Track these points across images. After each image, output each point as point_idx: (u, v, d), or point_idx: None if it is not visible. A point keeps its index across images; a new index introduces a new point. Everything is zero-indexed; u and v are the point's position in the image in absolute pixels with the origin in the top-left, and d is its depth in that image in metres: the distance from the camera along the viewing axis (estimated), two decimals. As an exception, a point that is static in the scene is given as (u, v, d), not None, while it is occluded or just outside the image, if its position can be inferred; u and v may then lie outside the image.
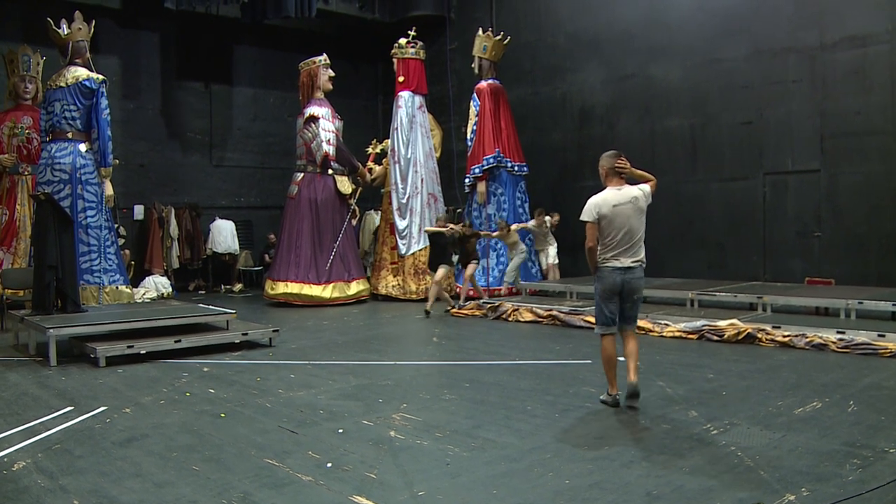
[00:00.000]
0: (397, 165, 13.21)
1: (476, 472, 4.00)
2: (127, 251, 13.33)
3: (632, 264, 5.22)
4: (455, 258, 11.56)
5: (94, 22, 11.27)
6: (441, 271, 10.99)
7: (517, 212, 13.24)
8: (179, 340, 7.76)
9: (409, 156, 13.24)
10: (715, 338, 7.97)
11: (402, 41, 13.50)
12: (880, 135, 10.43)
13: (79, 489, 3.83)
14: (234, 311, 8.88)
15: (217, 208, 15.64)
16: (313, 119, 12.72)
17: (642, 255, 5.30)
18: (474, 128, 13.36)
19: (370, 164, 14.37)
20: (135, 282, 13.01)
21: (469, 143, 13.48)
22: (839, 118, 10.78)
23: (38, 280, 8.43)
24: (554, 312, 9.65)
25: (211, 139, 15.96)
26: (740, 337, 7.81)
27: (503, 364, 7.10)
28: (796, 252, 11.30)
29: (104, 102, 10.85)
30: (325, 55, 13.19)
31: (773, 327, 7.82)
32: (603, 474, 3.91)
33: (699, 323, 8.26)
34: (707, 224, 12.32)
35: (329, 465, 4.15)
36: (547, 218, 12.70)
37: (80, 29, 10.92)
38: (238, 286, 15.26)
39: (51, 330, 7.36)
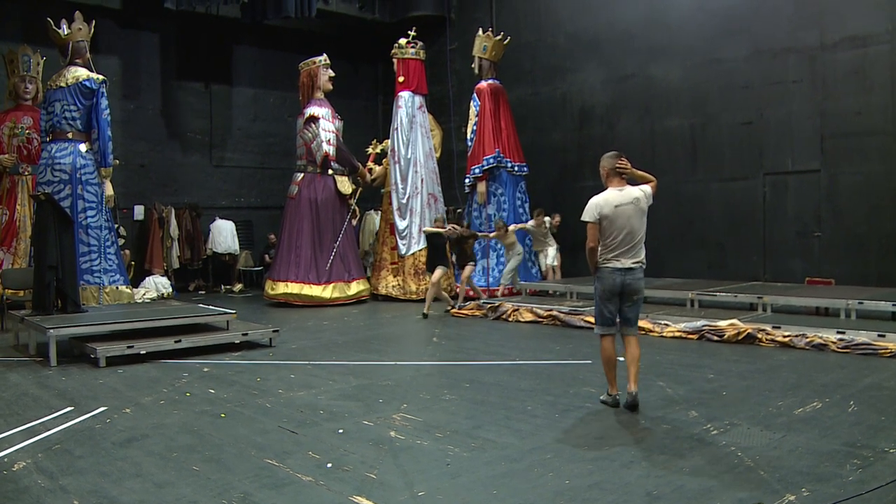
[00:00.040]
0: (397, 165, 13.21)
1: (476, 472, 4.00)
2: (127, 251, 13.33)
3: (632, 265, 5.22)
4: (453, 258, 11.55)
5: (94, 22, 11.27)
6: (438, 272, 10.97)
7: (517, 212, 13.24)
8: (180, 340, 7.76)
9: (409, 156, 13.24)
10: (715, 338, 7.97)
11: (403, 41, 13.50)
12: (880, 135, 10.43)
13: (79, 489, 3.83)
14: (234, 312, 8.88)
15: (217, 208, 15.64)
16: (313, 119, 12.72)
17: (642, 256, 5.30)
18: (474, 128, 13.36)
19: (370, 164, 14.36)
20: (135, 282, 13.01)
21: (469, 144, 13.48)
22: (839, 118, 10.79)
23: (39, 280, 8.43)
24: (554, 312, 9.65)
25: (211, 139, 15.96)
26: (740, 337, 7.81)
27: (503, 364, 7.10)
28: (796, 252, 11.30)
29: (104, 102, 10.86)
30: (325, 55, 13.19)
31: (774, 327, 7.82)
32: (603, 474, 3.91)
33: (699, 323, 8.26)
34: (707, 224, 12.32)
35: (329, 465, 4.15)
36: (546, 219, 12.66)
37: (81, 29, 10.93)
38: (238, 286, 15.26)
39: (51, 330, 7.36)
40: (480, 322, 10.20)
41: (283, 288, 12.38)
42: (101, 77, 10.88)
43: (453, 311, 10.89)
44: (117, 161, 11.92)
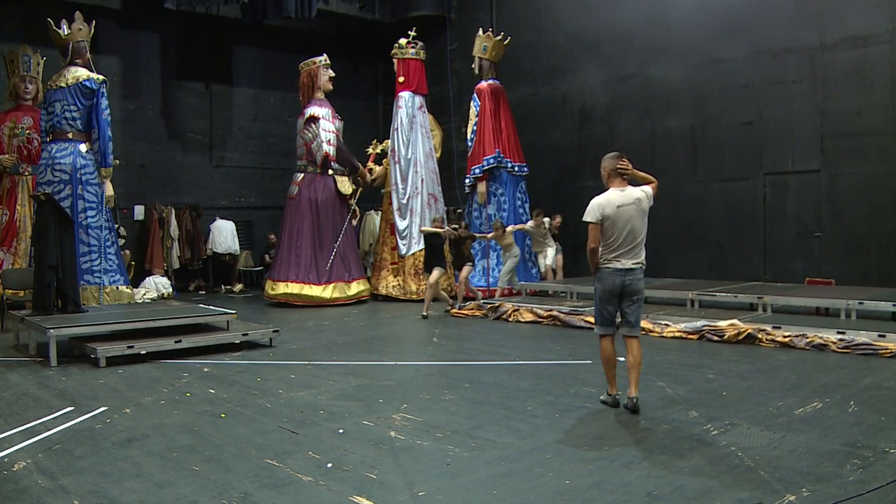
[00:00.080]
0: (397, 166, 13.21)
1: (476, 472, 4.00)
2: (127, 251, 13.33)
3: (632, 266, 5.22)
4: (451, 258, 11.54)
5: (94, 22, 11.28)
6: (435, 273, 10.93)
7: (517, 212, 13.23)
8: (180, 341, 7.76)
9: (409, 156, 13.24)
10: (715, 338, 7.97)
11: (403, 41, 13.50)
12: (880, 135, 10.43)
13: (79, 489, 3.83)
14: (234, 312, 8.88)
15: (217, 208, 15.64)
16: (314, 119, 12.72)
17: (643, 256, 5.30)
18: (474, 128, 13.36)
19: (370, 164, 14.36)
20: (135, 282, 13.01)
21: (469, 144, 13.48)
22: (839, 118, 10.79)
23: (39, 280, 8.43)
24: (554, 313, 9.64)
25: (211, 139, 15.97)
26: (741, 337, 7.81)
27: (503, 364, 7.10)
28: (796, 252, 11.30)
29: (104, 103, 10.86)
30: (325, 55, 13.19)
31: (774, 327, 7.82)
32: (603, 475, 3.91)
33: (699, 323, 8.26)
34: (707, 224, 12.32)
35: (329, 465, 4.15)
36: (546, 220, 12.62)
37: (81, 29, 10.93)
38: (238, 286, 15.26)
39: (51, 330, 7.36)
40: (480, 322, 10.20)
41: (283, 288, 12.37)
42: (101, 77, 10.89)
43: (453, 311, 10.89)
44: (117, 161, 11.92)
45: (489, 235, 12.07)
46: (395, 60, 13.61)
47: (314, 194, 12.78)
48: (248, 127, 16.42)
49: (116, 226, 11.95)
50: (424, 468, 4.07)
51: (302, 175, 12.95)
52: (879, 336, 7.19)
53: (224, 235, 14.98)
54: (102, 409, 5.54)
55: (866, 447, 4.25)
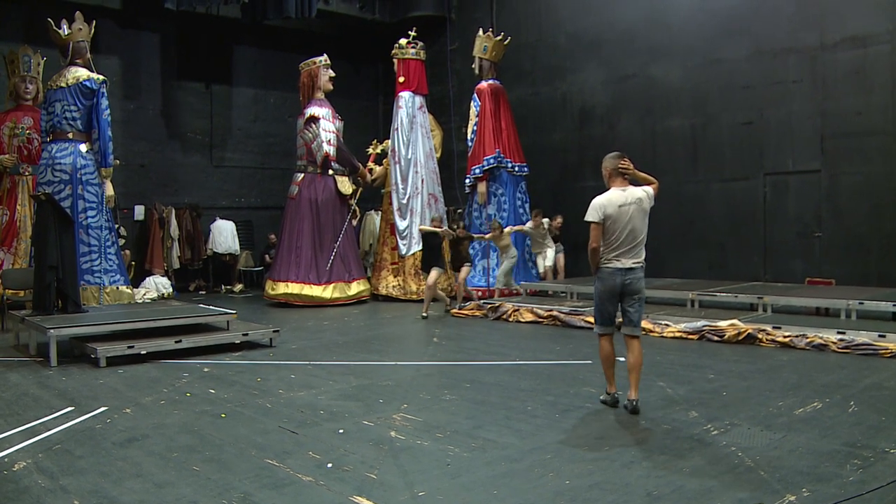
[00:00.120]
0: (398, 166, 13.21)
1: (476, 472, 4.00)
2: (127, 251, 13.33)
3: (633, 265, 5.22)
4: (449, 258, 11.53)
5: (94, 22, 11.28)
6: (433, 274, 10.90)
7: (517, 212, 13.23)
8: (180, 341, 7.76)
9: (409, 156, 13.24)
10: (715, 338, 7.97)
11: (403, 41, 13.50)
12: (881, 135, 10.43)
13: (79, 489, 3.83)
14: (234, 312, 8.88)
15: (217, 209, 15.64)
16: (314, 119, 12.72)
17: (643, 256, 5.30)
18: (475, 128, 13.36)
19: (370, 164, 14.36)
20: (135, 282, 13.01)
21: (469, 144, 13.48)
22: (840, 118, 10.79)
23: (39, 280, 8.43)
24: (554, 313, 9.64)
25: (211, 139, 15.97)
26: (741, 337, 7.81)
27: (504, 364, 7.10)
28: (797, 252, 11.30)
29: (105, 103, 10.86)
30: (325, 55, 13.19)
31: (774, 328, 7.82)
32: (603, 475, 3.91)
33: (700, 323, 8.26)
34: (708, 224, 12.32)
35: (329, 465, 4.15)
36: (545, 220, 12.57)
37: (81, 29, 10.93)
38: (238, 286, 15.26)
39: (51, 330, 7.36)
40: (480, 322, 10.19)
41: (283, 288, 12.38)
42: (101, 77, 10.89)
43: (453, 311, 10.88)
44: (118, 161, 11.92)
45: (487, 236, 12.04)
46: (395, 60, 13.61)
47: (314, 194, 12.77)
48: (248, 127, 16.43)
49: (117, 226, 11.95)
50: (425, 468, 4.07)
51: (302, 175, 12.95)
52: (880, 336, 7.18)
53: (224, 235, 14.99)
54: (102, 409, 5.54)
55: (866, 447, 4.25)
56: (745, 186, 11.82)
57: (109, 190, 11.04)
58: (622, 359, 5.43)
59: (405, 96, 13.34)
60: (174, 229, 14.64)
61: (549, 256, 12.70)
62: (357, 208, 13.90)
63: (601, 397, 5.45)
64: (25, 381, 6.67)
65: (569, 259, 12.99)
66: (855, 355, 7.01)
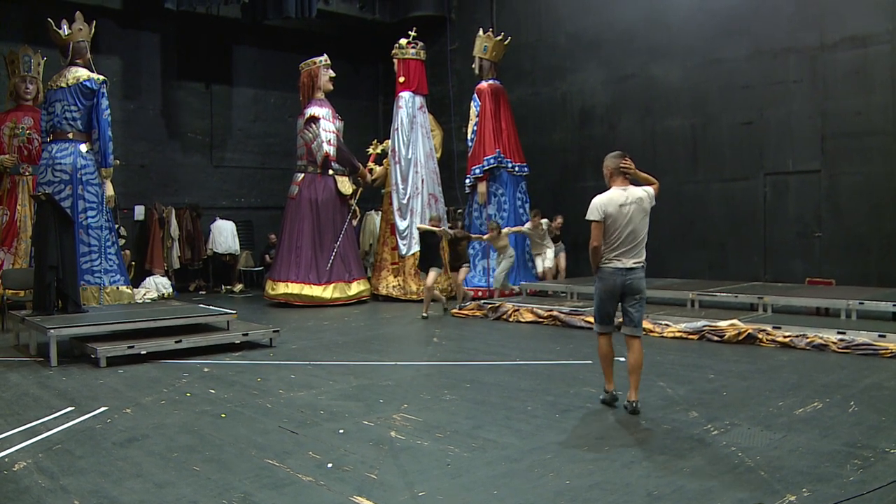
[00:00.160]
0: (398, 166, 13.21)
1: (477, 472, 4.00)
2: (127, 251, 13.34)
3: (633, 265, 5.22)
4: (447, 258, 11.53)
5: (94, 22, 11.27)
6: (432, 274, 10.87)
7: (518, 212, 13.23)
8: (180, 341, 7.76)
9: (409, 156, 13.24)
10: (716, 338, 7.97)
11: (403, 41, 13.50)
12: (881, 135, 10.43)
13: (79, 489, 3.83)
14: (234, 312, 8.88)
15: (217, 209, 15.64)
16: (314, 119, 12.72)
17: (644, 256, 5.30)
18: (475, 128, 13.36)
19: (371, 164, 14.36)
20: (135, 282, 13.01)
21: (469, 144, 13.48)
22: (840, 118, 10.78)
23: (39, 280, 8.43)
24: (554, 313, 9.64)
25: (211, 140, 15.97)
26: (741, 337, 7.81)
27: (504, 364, 7.10)
28: (797, 252, 11.30)
29: (105, 103, 10.86)
30: (325, 56, 13.19)
31: (774, 328, 7.82)
32: (603, 475, 3.91)
33: (700, 323, 8.26)
34: (708, 224, 12.32)
35: (329, 465, 4.15)
36: (544, 221, 12.52)
37: (81, 29, 10.93)
38: (238, 286, 15.26)
39: (52, 330, 7.36)
40: (481, 322, 10.19)
41: (283, 288, 12.38)
42: (101, 77, 10.89)
43: (453, 311, 10.88)
44: (118, 161, 11.92)
45: (484, 237, 12.02)
46: (395, 60, 13.61)
47: (314, 194, 12.78)
48: (248, 127, 16.43)
49: (117, 226, 11.95)
50: (425, 468, 4.07)
51: (302, 175, 12.95)
52: (880, 336, 7.18)
53: (224, 235, 14.99)
54: (103, 409, 5.54)
55: (867, 447, 4.25)
56: (745, 186, 11.82)
57: (109, 190, 11.04)
58: (622, 359, 5.43)
59: (405, 96, 13.34)
60: (174, 229, 14.64)
61: (548, 257, 12.67)
62: (357, 208, 13.90)
63: (601, 396, 5.45)
64: (26, 381, 6.67)
65: (569, 259, 12.98)
66: (855, 355, 7.01)
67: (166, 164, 15.30)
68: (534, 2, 14.88)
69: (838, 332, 7.42)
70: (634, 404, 5.13)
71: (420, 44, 13.58)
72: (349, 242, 13.13)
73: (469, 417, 5.13)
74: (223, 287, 15.26)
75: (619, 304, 5.33)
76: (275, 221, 15.44)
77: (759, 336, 7.74)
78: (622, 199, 5.21)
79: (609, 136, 13.48)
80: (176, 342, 7.72)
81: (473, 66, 13.65)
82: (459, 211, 14.29)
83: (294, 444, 4.59)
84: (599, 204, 5.23)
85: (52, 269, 8.30)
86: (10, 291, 10.35)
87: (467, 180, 13.46)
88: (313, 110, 12.82)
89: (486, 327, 9.74)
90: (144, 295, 12.92)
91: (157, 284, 13.69)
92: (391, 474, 3.97)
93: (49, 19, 10.83)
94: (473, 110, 13.46)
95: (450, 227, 11.41)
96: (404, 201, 13.13)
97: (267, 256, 15.37)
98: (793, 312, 9.17)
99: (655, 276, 10.38)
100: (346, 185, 13.10)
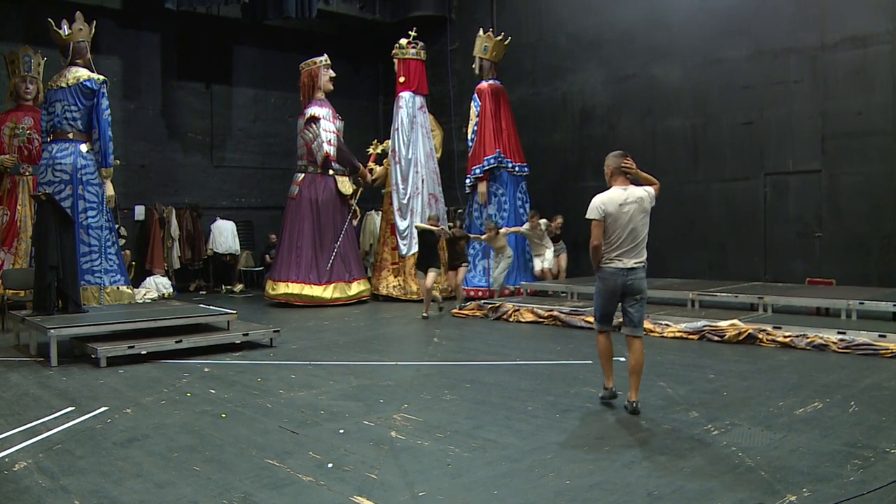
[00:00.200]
0: (398, 166, 13.21)
1: (477, 472, 4.00)
2: (128, 251, 13.34)
3: (634, 265, 5.21)
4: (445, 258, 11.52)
5: (94, 22, 11.28)
6: (431, 275, 10.83)
7: (518, 212, 13.22)
8: (180, 341, 7.76)
9: (409, 156, 13.24)
10: (716, 338, 7.97)
11: (403, 41, 13.50)
12: (881, 135, 10.43)
13: (80, 489, 3.83)
14: (234, 312, 8.88)
15: (218, 209, 15.64)
16: (314, 119, 12.72)
17: (644, 256, 5.30)
18: (475, 128, 13.35)
19: (371, 164, 14.37)
20: (136, 282, 13.01)
21: (470, 144, 13.47)
22: (840, 118, 10.78)
23: (39, 280, 8.43)
24: (555, 313, 9.64)
25: (212, 140, 15.97)
26: (741, 337, 7.81)
27: (504, 364, 7.10)
28: (797, 252, 11.30)
29: (105, 103, 10.87)
30: (325, 56, 13.19)
31: (774, 328, 7.82)
32: (604, 475, 3.91)
33: (700, 323, 8.26)
34: (708, 224, 12.32)
35: (330, 465, 4.15)
36: (542, 221, 12.48)
37: (81, 29, 10.93)
38: (239, 286, 15.27)
39: (52, 330, 7.36)
40: (481, 322, 10.19)
41: (283, 288, 12.38)
42: (101, 77, 10.89)
43: (454, 311, 10.88)
44: (118, 161, 11.92)
45: (482, 237, 12.00)
46: (395, 60, 13.61)
47: (315, 194, 12.78)
48: (248, 127, 16.43)
49: (117, 226, 11.95)
50: (425, 468, 4.07)
51: (302, 175, 12.95)
52: (880, 336, 7.18)
53: (225, 235, 14.99)
54: (103, 409, 5.54)
55: (867, 447, 4.25)
56: (746, 186, 11.82)
57: (110, 190, 11.04)
58: (623, 359, 5.43)
59: (405, 96, 13.34)
60: (174, 229, 14.64)
61: (547, 258, 12.59)
62: (357, 208, 13.90)
63: (600, 394, 5.46)
64: (26, 381, 6.67)
65: (570, 259, 12.97)
66: (855, 355, 7.01)
67: (166, 164, 15.30)
68: (534, 2, 14.88)
69: (838, 332, 7.42)
70: (635, 404, 5.13)
71: (420, 44, 13.58)
72: (349, 242, 13.13)
73: (469, 417, 5.13)
74: (223, 287, 15.26)
75: (620, 304, 5.33)
76: (275, 221, 15.44)
77: (760, 336, 7.74)
78: (622, 199, 5.21)
79: (609, 136, 13.48)
80: (176, 342, 7.72)
81: (474, 66, 13.65)
82: (460, 211, 14.29)
83: (294, 444, 4.59)
84: (599, 203, 5.23)
85: (52, 269, 8.30)
86: (11, 291, 10.35)
87: (467, 180, 13.45)
88: (313, 110, 12.82)
89: (487, 327, 9.74)
90: (145, 295, 12.92)
91: (158, 284, 13.70)
92: (391, 474, 3.97)
93: (49, 19, 10.83)
94: (474, 110, 13.46)
95: (449, 225, 11.40)
96: (404, 201, 13.13)
97: (267, 256, 15.37)
98: (793, 312, 9.17)
99: (656, 276, 10.37)
100: (346, 185, 13.10)
